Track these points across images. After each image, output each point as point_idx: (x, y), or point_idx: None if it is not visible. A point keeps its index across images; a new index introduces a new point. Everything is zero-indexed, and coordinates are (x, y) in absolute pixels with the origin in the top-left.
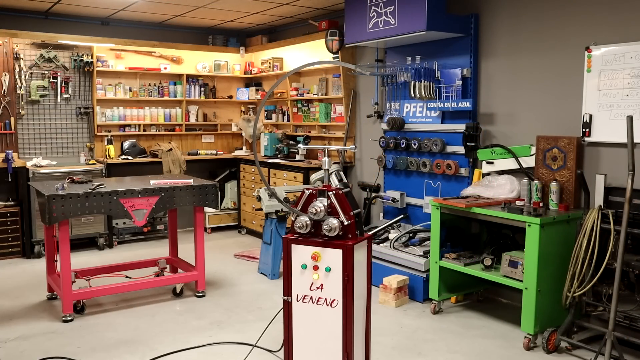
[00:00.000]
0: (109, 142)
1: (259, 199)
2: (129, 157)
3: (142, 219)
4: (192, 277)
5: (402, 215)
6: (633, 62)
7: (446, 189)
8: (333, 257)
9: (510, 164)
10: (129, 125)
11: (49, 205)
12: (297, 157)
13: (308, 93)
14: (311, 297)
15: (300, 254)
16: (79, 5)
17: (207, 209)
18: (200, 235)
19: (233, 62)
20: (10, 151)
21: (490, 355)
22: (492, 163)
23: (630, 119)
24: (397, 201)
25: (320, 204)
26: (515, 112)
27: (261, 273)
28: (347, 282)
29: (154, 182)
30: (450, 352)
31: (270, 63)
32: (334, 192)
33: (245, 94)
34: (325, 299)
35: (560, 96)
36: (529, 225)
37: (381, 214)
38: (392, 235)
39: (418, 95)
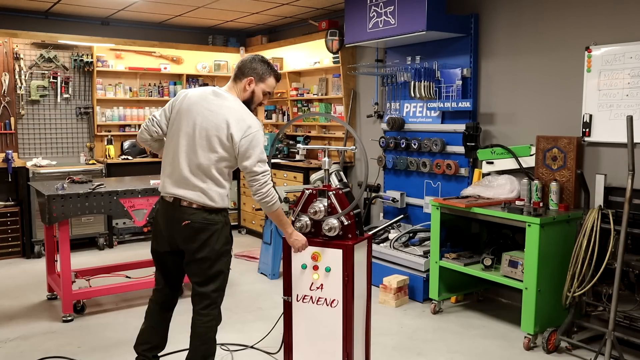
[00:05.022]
0: (109, 142)
1: None
2: (129, 157)
3: (142, 219)
4: None
5: (402, 215)
6: (633, 62)
7: (446, 189)
8: (333, 257)
9: (510, 164)
10: (129, 125)
11: (49, 205)
12: (297, 157)
13: (308, 93)
14: (311, 297)
15: (300, 254)
16: (79, 5)
17: None
18: None
19: (233, 62)
20: (10, 151)
21: (490, 355)
22: (492, 163)
23: (630, 119)
24: (397, 201)
25: (320, 204)
26: (515, 112)
27: (261, 273)
28: (347, 282)
29: (154, 182)
30: (450, 352)
31: None
32: (334, 192)
33: None
34: (325, 299)
35: (560, 96)
36: (529, 225)
37: (381, 214)
38: (392, 235)
39: (418, 95)
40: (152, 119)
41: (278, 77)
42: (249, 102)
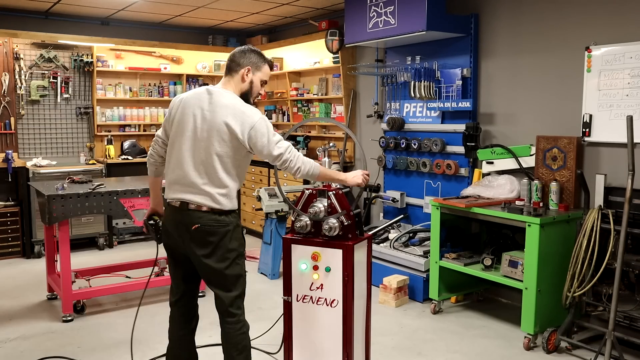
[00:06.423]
0: (109, 142)
1: (259, 199)
2: (129, 157)
3: (142, 219)
4: None
5: (402, 215)
6: (633, 62)
7: (446, 189)
8: (333, 257)
9: (510, 164)
10: (129, 125)
11: (49, 205)
12: None
13: (308, 93)
14: (311, 297)
15: (300, 254)
16: (79, 5)
17: None
18: None
19: None
20: (10, 151)
21: (490, 355)
22: (492, 163)
23: (630, 119)
24: (397, 201)
25: (320, 204)
26: (515, 112)
27: (261, 273)
28: (347, 282)
29: None
30: (450, 352)
31: None
32: (334, 192)
33: None
34: (325, 299)
35: (560, 96)
36: (529, 225)
37: (381, 214)
38: (392, 235)
39: (418, 95)
40: (157, 139)
41: (271, 65)
42: (247, 94)
